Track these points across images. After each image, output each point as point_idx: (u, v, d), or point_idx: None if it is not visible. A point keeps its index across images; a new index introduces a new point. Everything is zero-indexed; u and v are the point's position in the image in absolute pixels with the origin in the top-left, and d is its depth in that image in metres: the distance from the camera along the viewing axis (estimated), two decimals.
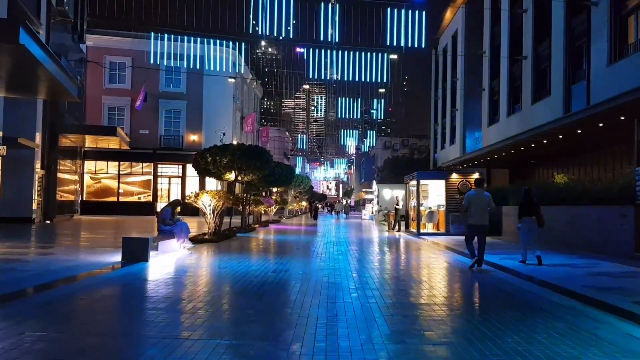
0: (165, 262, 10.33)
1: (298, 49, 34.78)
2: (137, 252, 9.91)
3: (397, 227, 23.98)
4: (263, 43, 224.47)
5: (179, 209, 12.16)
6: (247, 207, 21.70)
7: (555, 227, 14.89)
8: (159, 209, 38.35)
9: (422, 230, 20.68)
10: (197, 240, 14.83)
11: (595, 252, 12.23)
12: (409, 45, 26.44)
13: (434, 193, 21.18)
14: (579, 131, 18.27)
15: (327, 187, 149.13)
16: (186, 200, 15.60)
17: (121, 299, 7.05)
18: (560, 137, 19.70)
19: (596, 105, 14.74)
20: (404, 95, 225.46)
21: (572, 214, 13.84)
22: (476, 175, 20.32)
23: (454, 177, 20.15)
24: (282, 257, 12.10)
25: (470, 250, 10.25)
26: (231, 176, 16.99)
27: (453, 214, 18.87)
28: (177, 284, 7.86)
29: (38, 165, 23.60)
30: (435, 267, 10.97)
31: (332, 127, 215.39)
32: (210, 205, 15.18)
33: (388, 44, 26.08)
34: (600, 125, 16.57)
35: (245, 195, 21.21)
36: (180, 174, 38.32)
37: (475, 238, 10.14)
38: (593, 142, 20.47)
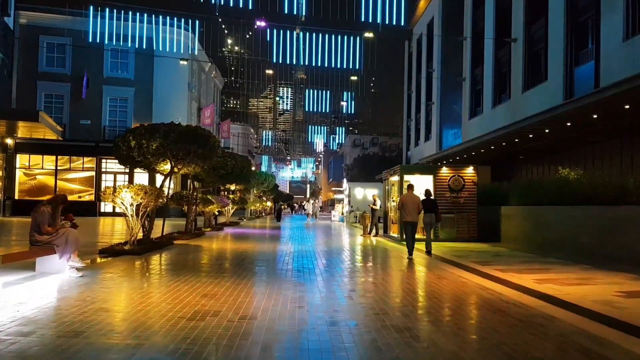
0: (25, 295, 6.44)
1: (259, 22, 30.96)
2: None
3: (374, 230, 20.47)
4: (229, 41, 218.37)
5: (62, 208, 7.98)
6: (194, 207, 17.81)
7: (583, 235, 11.58)
8: (104, 209, 34.17)
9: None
10: (112, 252, 10.93)
11: None
12: (386, 22, 23.05)
13: (418, 191, 17.73)
14: (595, 116, 15.24)
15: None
16: (101, 198, 11.68)
17: None
18: (569, 124, 16.66)
19: (635, 77, 11.56)
20: (372, 97, 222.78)
21: (609, 216, 10.53)
22: (470, 169, 17.02)
23: (444, 171, 16.75)
24: (220, 280, 8.33)
25: (409, 248, 12.36)
26: (167, 167, 13.12)
27: (444, 215, 15.41)
28: None
29: None
30: (441, 292, 7.45)
31: (299, 124, 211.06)
32: (132, 205, 11.29)
33: (363, 20, 22.61)
34: (627, 107, 13.61)
35: (190, 192, 17.32)
36: (128, 170, 33.84)
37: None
38: (599, 133, 17.59)
